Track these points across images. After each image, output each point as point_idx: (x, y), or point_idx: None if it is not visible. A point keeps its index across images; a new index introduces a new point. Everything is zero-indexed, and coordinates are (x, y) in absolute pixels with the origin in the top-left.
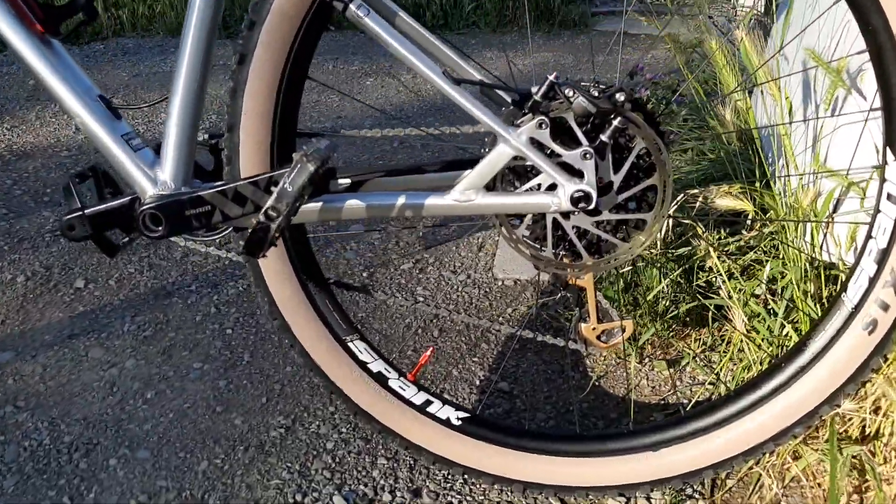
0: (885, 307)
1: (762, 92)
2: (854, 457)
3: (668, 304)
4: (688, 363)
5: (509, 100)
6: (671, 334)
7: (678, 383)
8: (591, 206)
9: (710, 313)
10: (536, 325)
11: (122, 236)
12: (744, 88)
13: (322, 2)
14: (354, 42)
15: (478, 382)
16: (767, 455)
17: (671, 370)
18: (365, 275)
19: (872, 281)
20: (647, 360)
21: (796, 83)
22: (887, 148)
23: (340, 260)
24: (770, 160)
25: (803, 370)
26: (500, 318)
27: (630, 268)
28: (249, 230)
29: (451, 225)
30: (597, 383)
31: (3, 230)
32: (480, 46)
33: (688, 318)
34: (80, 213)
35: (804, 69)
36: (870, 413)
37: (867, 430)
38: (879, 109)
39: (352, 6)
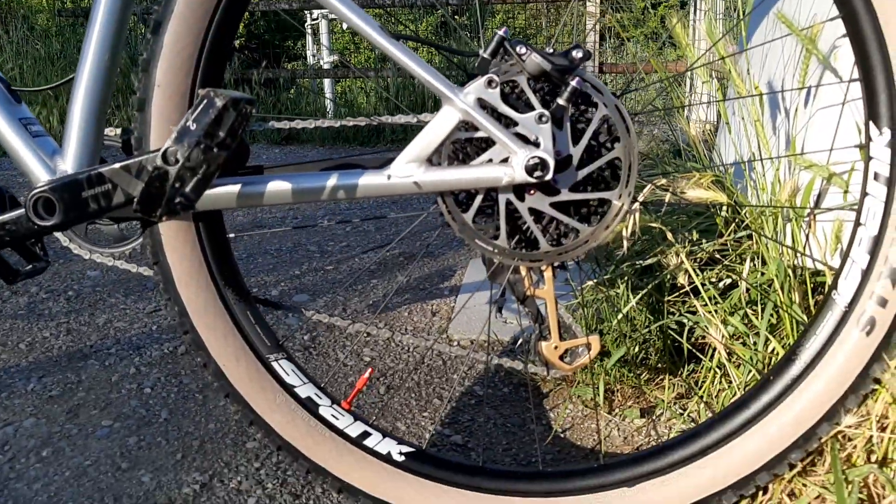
0: (883, 302)
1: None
2: (862, 483)
3: (636, 347)
4: (663, 412)
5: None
6: (643, 381)
7: (652, 433)
8: (548, 177)
9: (686, 349)
10: (495, 379)
11: (23, 263)
12: (708, 63)
13: None
14: (312, 154)
15: (428, 437)
16: (761, 494)
17: (645, 418)
18: (307, 337)
19: (865, 274)
20: (616, 409)
21: (765, 62)
22: (870, 122)
23: (280, 326)
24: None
25: (795, 383)
26: (455, 375)
27: (592, 282)
28: (145, 179)
29: (404, 292)
30: (562, 434)
31: None
32: None
33: (660, 364)
34: None
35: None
36: (876, 430)
37: (874, 455)
38: (858, 81)
39: None
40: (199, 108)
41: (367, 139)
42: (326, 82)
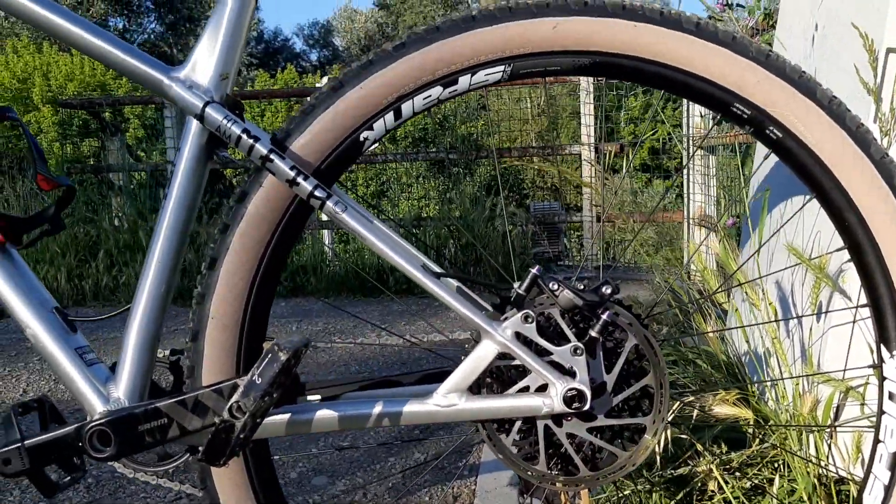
0: None
1: (745, 296)
2: None
3: None
4: None
5: (488, 306)
6: None
7: None
8: (586, 407)
9: None
10: None
11: (63, 475)
12: (725, 289)
13: (301, 203)
14: (318, 307)
15: None
16: None
17: None
18: None
19: (888, 490)
20: None
21: (777, 285)
22: (881, 345)
23: None
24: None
25: None
26: None
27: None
28: (211, 431)
29: (422, 471)
30: None
31: None
32: (445, 308)
33: None
34: (19, 444)
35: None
36: None
37: None
38: (867, 306)
39: (329, 202)
40: (265, 363)
41: (372, 291)
42: (325, 232)
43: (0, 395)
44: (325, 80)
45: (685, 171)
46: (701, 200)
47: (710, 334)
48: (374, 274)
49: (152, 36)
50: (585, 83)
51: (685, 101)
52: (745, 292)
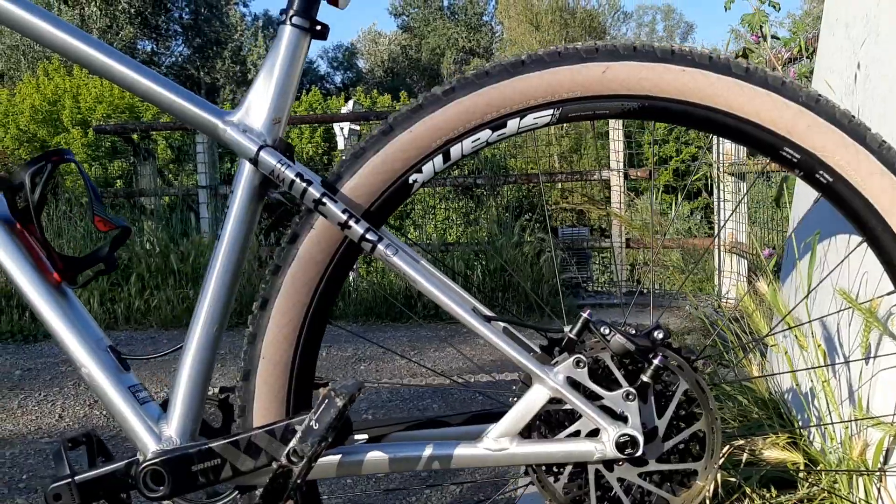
0: None
1: (794, 339)
2: None
3: None
4: None
5: (536, 348)
6: None
7: None
8: (639, 453)
9: None
10: None
11: None
12: (780, 331)
13: (351, 245)
14: (345, 334)
15: None
16: None
17: None
18: None
19: None
20: None
21: (822, 324)
22: None
23: None
24: (801, 409)
25: None
26: None
27: None
28: (269, 476)
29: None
30: None
31: None
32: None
33: None
34: (70, 480)
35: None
36: None
37: None
38: None
39: (380, 246)
40: (322, 408)
41: (400, 315)
42: None
43: (37, 420)
44: (349, 103)
45: (715, 198)
46: (732, 227)
47: (754, 371)
48: (402, 299)
49: (180, 59)
50: None
51: None
52: (795, 335)
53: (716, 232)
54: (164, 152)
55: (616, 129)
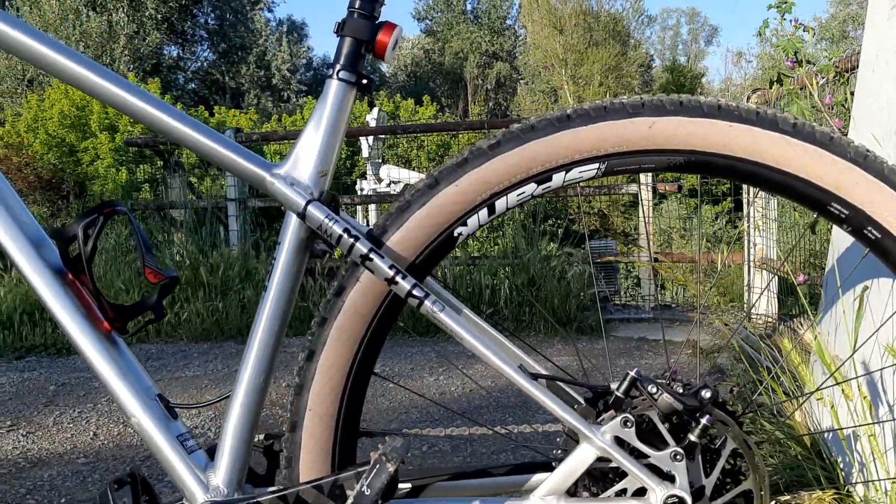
0: None
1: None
2: None
3: None
4: None
5: (580, 398)
6: None
7: None
8: None
9: None
10: None
11: None
12: (828, 387)
13: (396, 298)
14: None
15: None
16: None
17: None
18: None
19: None
20: None
21: (869, 382)
22: None
23: None
24: (843, 452)
25: None
26: None
27: None
28: None
29: None
30: None
31: None
32: None
33: None
34: None
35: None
36: None
37: None
38: None
39: (427, 302)
40: (374, 473)
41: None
42: None
43: (72, 439)
44: (374, 111)
45: (746, 214)
46: (761, 243)
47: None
48: None
49: (205, 64)
50: None
51: None
52: (843, 390)
53: (745, 247)
54: (191, 156)
55: None
